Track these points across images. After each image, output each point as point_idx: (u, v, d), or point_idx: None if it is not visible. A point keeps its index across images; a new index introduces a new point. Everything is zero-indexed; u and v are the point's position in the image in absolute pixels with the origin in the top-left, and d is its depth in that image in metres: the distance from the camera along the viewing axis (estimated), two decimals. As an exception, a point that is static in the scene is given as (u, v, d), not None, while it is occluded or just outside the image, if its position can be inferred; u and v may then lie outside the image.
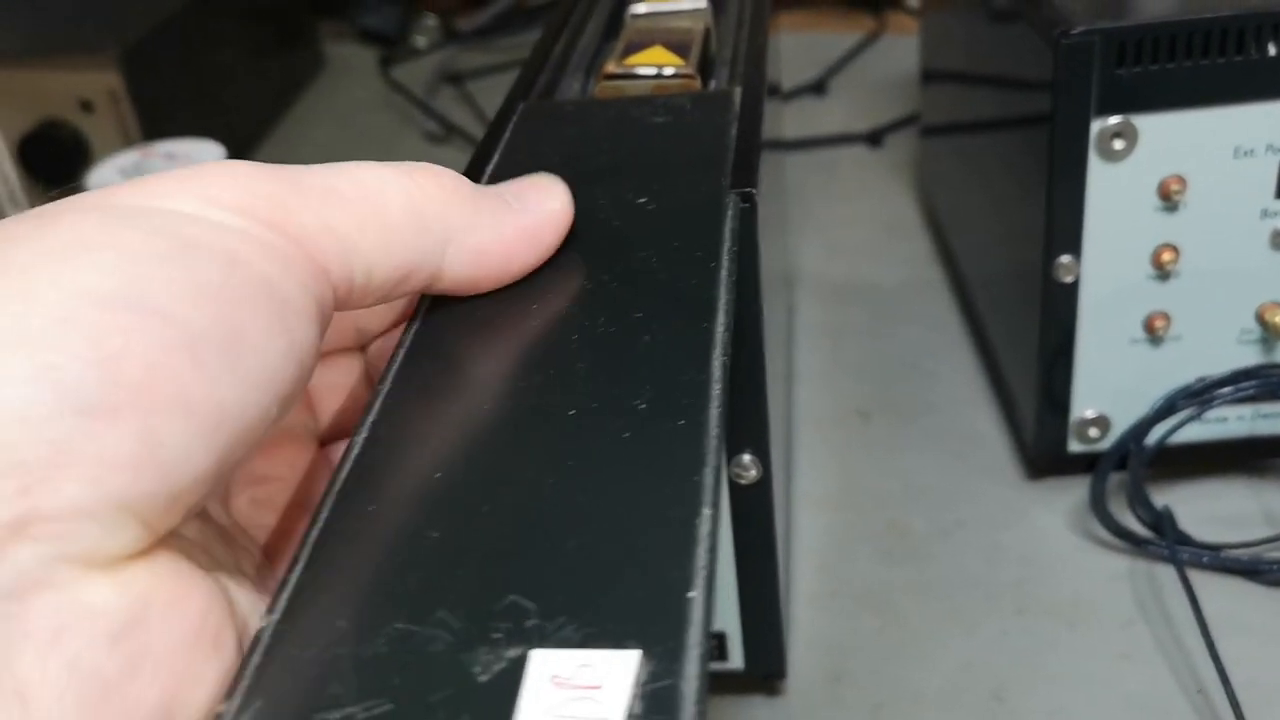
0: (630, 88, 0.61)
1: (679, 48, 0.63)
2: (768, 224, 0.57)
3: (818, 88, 1.32)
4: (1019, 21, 0.69)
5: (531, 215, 0.43)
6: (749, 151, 0.53)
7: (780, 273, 0.79)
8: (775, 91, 0.86)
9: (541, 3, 1.55)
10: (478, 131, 1.29)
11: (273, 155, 1.31)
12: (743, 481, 0.56)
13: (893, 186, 1.12)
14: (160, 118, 1.14)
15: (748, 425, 0.55)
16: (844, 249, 1.02)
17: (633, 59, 0.62)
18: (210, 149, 1.04)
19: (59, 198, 0.35)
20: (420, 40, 1.55)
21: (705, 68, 0.63)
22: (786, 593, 0.66)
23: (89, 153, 1.12)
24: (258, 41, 1.39)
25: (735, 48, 0.67)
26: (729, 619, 0.61)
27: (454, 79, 1.43)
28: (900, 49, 1.35)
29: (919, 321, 0.92)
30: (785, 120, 1.21)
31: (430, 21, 1.58)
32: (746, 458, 0.55)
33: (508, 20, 1.53)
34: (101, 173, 1.01)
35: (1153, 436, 0.68)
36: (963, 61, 0.88)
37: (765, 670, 0.62)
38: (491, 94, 1.38)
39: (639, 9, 0.70)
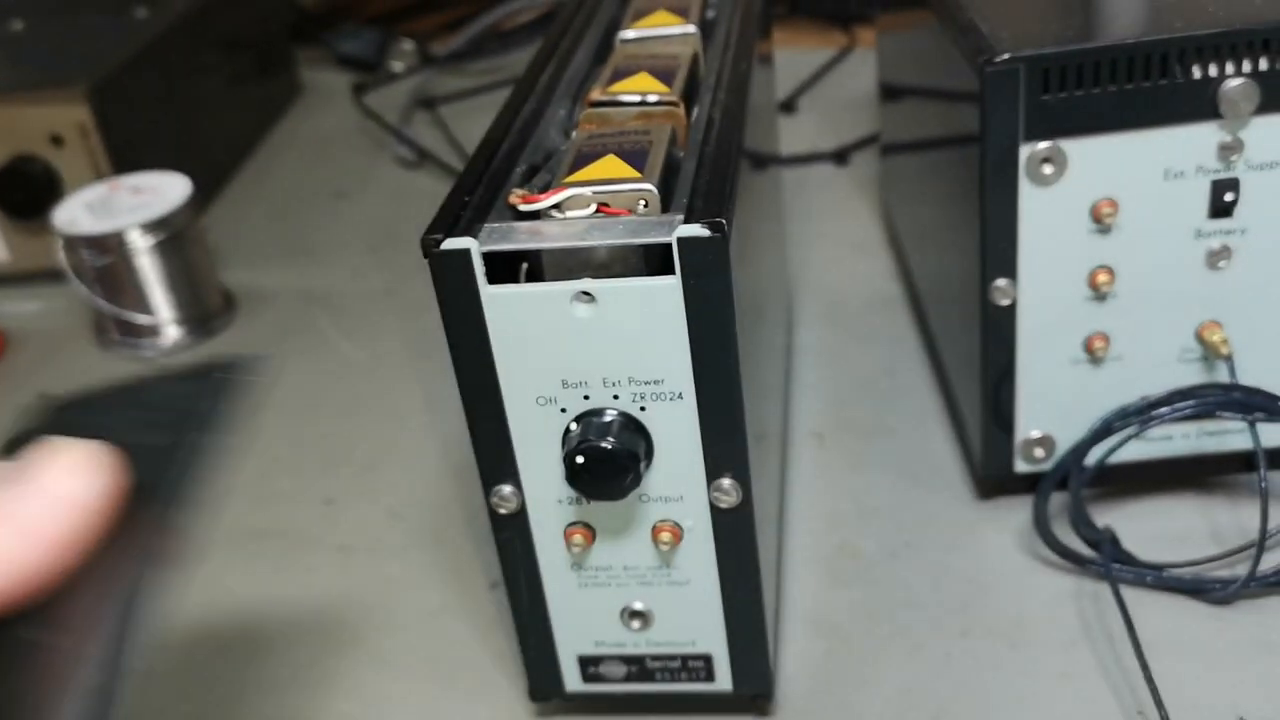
0: (615, 115, 0.61)
1: (665, 74, 0.64)
2: (745, 251, 0.58)
3: (787, 106, 1.32)
4: (950, 48, 0.69)
5: (34, 503, 0.34)
6: (720, 180, 0.54)
7: (775, 293, 0.80)
8: (782, 108, 0.87)
9: (516, 25, 1.55)
10: (450, 157, 1.30)
11: (248, 182, 1.32)
12: (722, 505, 0.57)
13: (857, 204, 1.12)
14: (132, 150, 1.14)
15: (726, 450, 0.55)
16: (807, 268, 1.03)
17: (618, 86, 0.63)
18: (175, 181, 1.05)
19: None
20: (397, 65, 1.55)
21: (690, 94, 0.64)
22: (776, 613, 0.66)
23: (60, 187, 1.12)
24: (235, 69, 1.40)
25: (719, 73, 0.68)
26: (715, 641, 0.61)
27: (427, 103, 1.43)
28: (870, 65, 1.35)
29: (878, 340, 0.93)
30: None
31: (407, 46, 1.58)
32: (726, 482, 0.56)
33: (483, 44, 1.53)
34: (68, 207, 1.02)
35: (1092, 457, 0.68)
36: (910, 80, 0.89)
37: (753, 690, 0.63)
38: (465, 117, 1.39)
39: (628, 34, 0.71)
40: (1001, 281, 0.67)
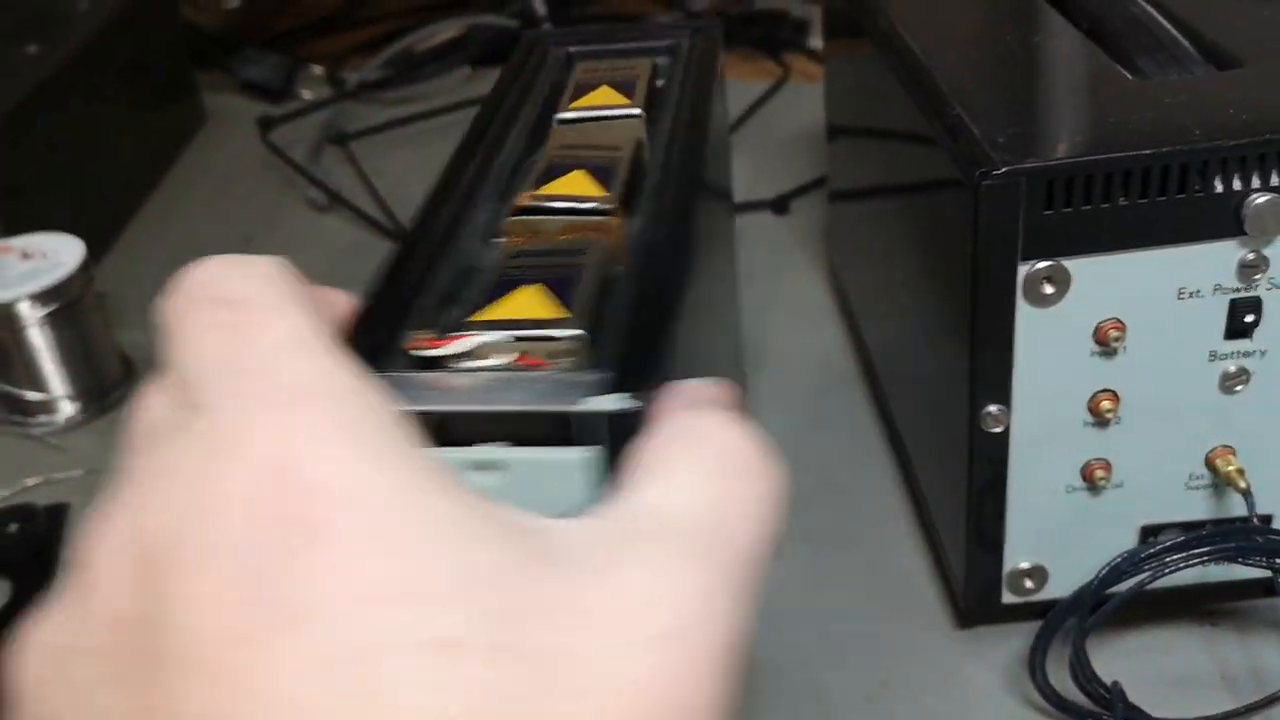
0: (545, 225, 0.54)
1: (603, 171, 0.56)
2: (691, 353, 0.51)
3: (721, 145, 1.25)
4: (932, 141, 0.62)
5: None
6: (653, 331, 0.45)
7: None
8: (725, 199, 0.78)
9: (430, 48, 1.48)
10: (363, 199, 1.22)
11: (148, 224, 1.24)
12: None
13: (800, 261, 1.05)
14: (22, 201, 1.06)
15: None
16: (747, 338, 0.95)
17: (549, 188, 0.55)
18: (68, 243, 0.97)
19: None
20: (305, 93, 1.47)
21: (631, 195, 0.56)
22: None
23: (-56, 245, 1.04)
24: (135, 101, 1.31)
25: (665, 172, 0.59)
26: None
27: (338, 139, 1.35)
28: (806, 98, 1.28)
29: (832, 427, 0.85)
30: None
31: (315, 72, 1.50)
32: None
33: (397, 69, 1.46)
34: (-48, 274, 0.94)
35: (1101, 586, 0.62)
36: (873, 120, 0.81)
37: None
38: (379, 154, 1.31)
39: (565, 115, 0.63)
40: (993, 408, 0.60)
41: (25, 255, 0.96)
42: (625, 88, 0.65)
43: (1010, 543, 0.64)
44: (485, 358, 0.46)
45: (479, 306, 0.48)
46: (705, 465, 0.35)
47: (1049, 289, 0.57)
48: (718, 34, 0.74)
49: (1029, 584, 0.65)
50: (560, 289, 0.48)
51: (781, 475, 0.35)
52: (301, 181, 1.28)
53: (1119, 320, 0.58)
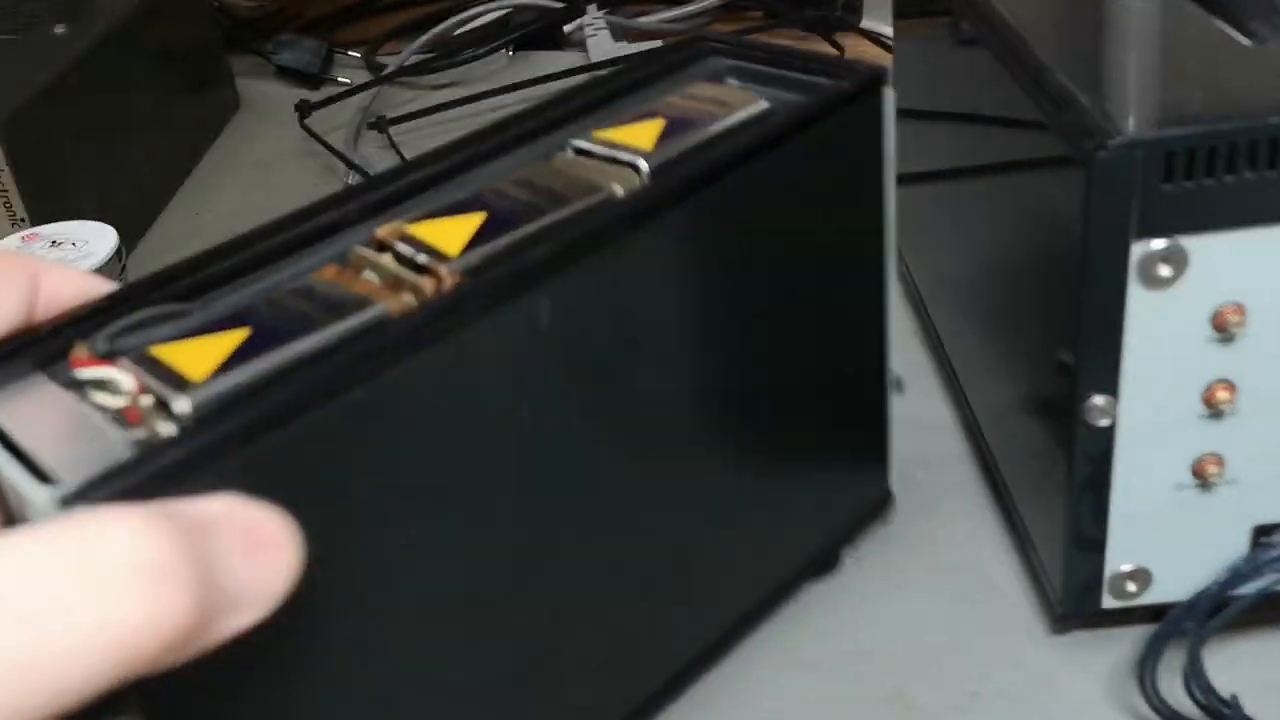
0: (379, 267, 0.46)
1: (501, 224, 0.47)
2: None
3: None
4: (1032, 111, 0.58)
5: None
6: (217, 437, 0.38)
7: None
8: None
9: (468, 32, 1.44)
10: (404, 186, 1.18)
11: (182, 213, 1.21)
12: None
13: (865, 246, 1.00)
14: (51, 189, 1.02)
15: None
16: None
17: (423, 225, 0.47)
18: (99, 231, 0.93)
19: None
20: (342, 77, 1.43)
21: (497, 263, 0.46)
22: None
23: (-32, 233, 1.00)
24: (167, 87, 1.27)
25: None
26: None
27: (377, 124, 1.31)
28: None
29: (906, 421, 0.80)
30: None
31: (352, 56, 1.47)
32: None
33: (436, 52, 1.42)
34: (-21, 264, 0.90)
35: (1221, 589, 0.58)
36: (954, 100, 0.76)
37: None
38: (419, 139, 1.27)
39: (580, 143, 0.54)
40: (1100, 399, 0.56)
41: (54, 244, 0.92)
42: (677, 128, 0.54)
43: (1112, 544, 0.60)
44: (114, 393, 0.41)
45: (185, 335, 0.42)
46: (33, 554, 0.30)
47: (1165, 270, 0.53)
48: (847, 90, 0.59)
49: (1131, 587, 0.61)
50: (256, 347, 0.41)
51: (168, 615, 0.31)
52: (340, 167, 1.24)
53: (1239, 304, 0.54)
